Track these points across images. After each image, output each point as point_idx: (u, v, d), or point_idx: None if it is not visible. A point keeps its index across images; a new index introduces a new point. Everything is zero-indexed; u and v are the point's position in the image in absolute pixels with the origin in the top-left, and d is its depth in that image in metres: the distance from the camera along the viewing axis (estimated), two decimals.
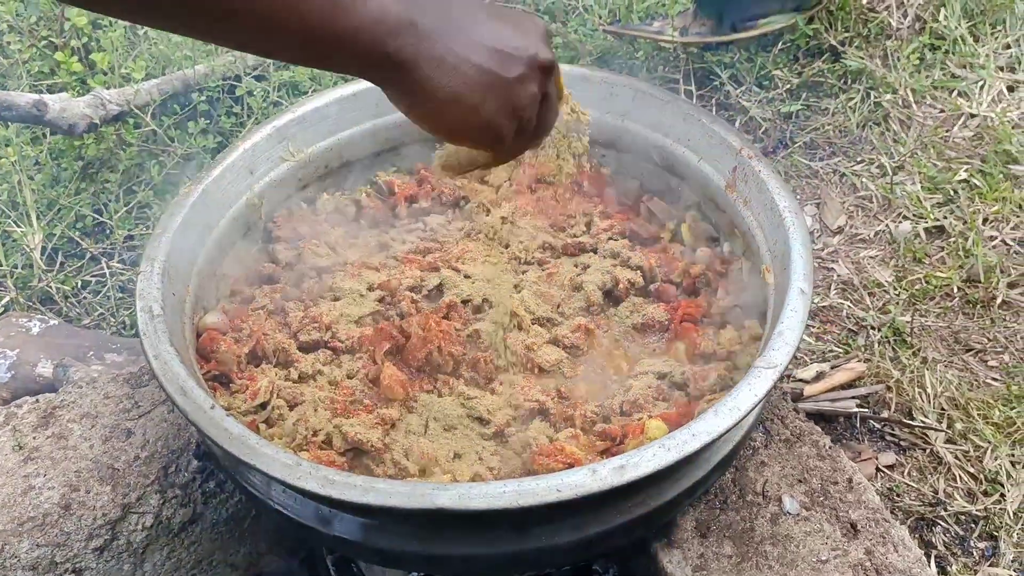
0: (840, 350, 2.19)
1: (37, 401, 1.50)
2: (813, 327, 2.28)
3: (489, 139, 1.05)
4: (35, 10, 2.88)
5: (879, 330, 2.21)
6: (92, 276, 2.33)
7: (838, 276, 2.39)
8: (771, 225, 1.40)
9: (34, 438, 1.41)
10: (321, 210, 1.70)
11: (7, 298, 2.22)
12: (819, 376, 2.06)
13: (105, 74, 2.59)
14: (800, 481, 1.36)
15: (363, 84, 1.67)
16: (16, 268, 2.29)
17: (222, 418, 1.15)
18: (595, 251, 1.60)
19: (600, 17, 2.95)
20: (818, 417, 2.00)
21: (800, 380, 2.05)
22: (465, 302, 1.53)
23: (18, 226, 2.33)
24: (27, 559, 1.28)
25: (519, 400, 1.38)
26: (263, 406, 1.38)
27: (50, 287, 2.26)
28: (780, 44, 2.85)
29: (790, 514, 1.31)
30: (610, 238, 1.60)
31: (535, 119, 1.08)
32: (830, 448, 1.40)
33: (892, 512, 1.88)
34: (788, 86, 2.80)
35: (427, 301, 1.55)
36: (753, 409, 1.16)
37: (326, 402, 1.38)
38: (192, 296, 1.43)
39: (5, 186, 2.35)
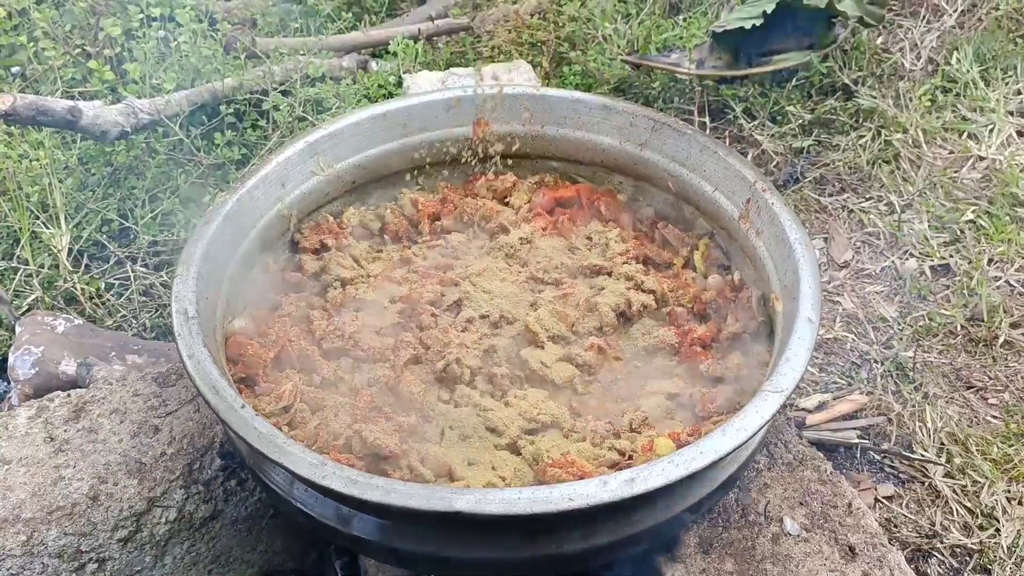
0: (843, 382, 2.24)
1: (69, 396, 1.55)
2: (817, 358, 2.33)
3: None
4: (70, 18, 2.96)
5: (882, 364, 2.25)
6: (116, 279, 2.39)
7: (843, 310, 2.44)
8: (781, 256, 1.46)
9: (65, 431, 1.47)
10: (347, 223, 1.76)
11: (33, 296, 2.28)
12: (821, 406, 2.10)
13: (136, 84, 2.65)
14: (801, 504, 1.40)
15: (393, 104, 1.74)
16: (43, 268, 2.35)
17: (252, 417, 1.20)
18: (610, 274, 1.66)
19: (619, 47, 3.02)
20: (819, 446, 2.04)
21: (803, 409, 2.09)
22: (483, 317, 1.59)
23: (47, 227, 2.39)
24: (54, 547, 1.33)
25: (532, 413, 1.43)
26: (287, 409, 1.43)
27: (75, 288, 2.32)
28: (794, 80, 2.91)
29: (791, 535, 1.36)
30: (625, 262, 1.66)
31: None
32: (831, 473, 1.45)
33: (890, 543, 1.93)
34: (800, 122, 2.86)
35: (447, 315, 1.60)
36: (759, 431, 1.21)
37: (347, 408, 1.43)
38: (224, 301, 1.49)
39: (36, 188, 2.41)
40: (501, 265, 1.67)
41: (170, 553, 1.42)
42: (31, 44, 2.78)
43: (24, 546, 1.32)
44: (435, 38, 3.09)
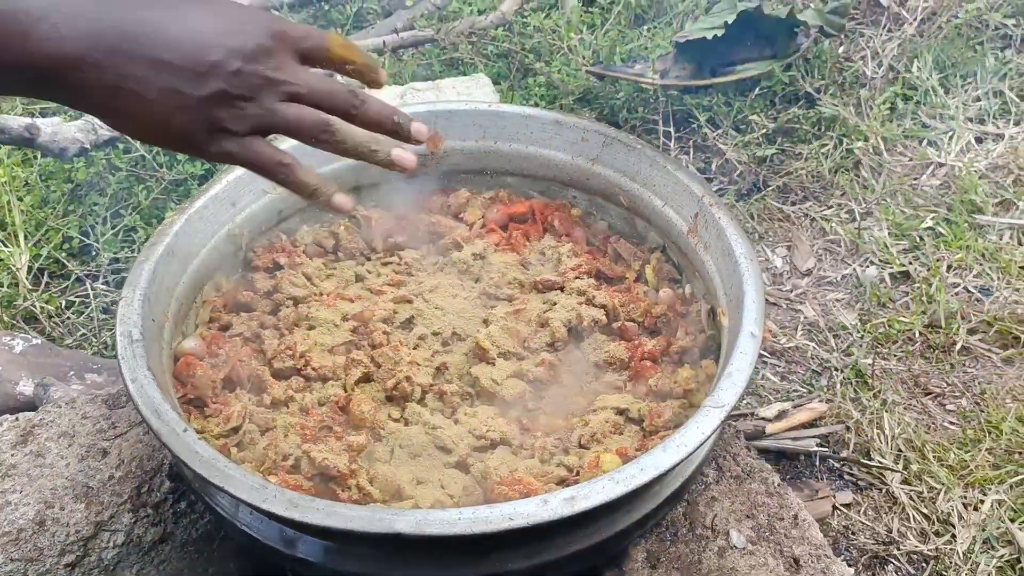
0: (804, 390, 2.26)
1: (17, 419, 1.55)
2: (779, 367, 2.34)
3: (187, 150, 1.01)
4: None
5: (842, 371, 2.27)
6: (76, 296, 2.38)
7: (805, 318, 2.46)
8: (728, 270, 1.47)
9: (12, 455, 1.46)
10: (300, 241, 1.76)
11: None
12: (781, 415, 2.12)
13: None
14: (748, 516, 1.41)
15: None
16: (1, 287, 2.34)
17: (193, 440, 1.20)
18: (562, 289, 1.66)
19: (583, 58, 3.03)
20: (779, 455, 2.06)
21: (762, 418, 2.11)
22: (435, 334, 1.59)
23: (5, 246, 2.38)
24: (0, 572, 1.33)
25: (482, 431, 1.43)
26: (235, 430, 1.43)
27: (34, 306, 2.31)
28: (757, 90, 2.93)
29: (737, 548, 1.37)
30: (577, 277, 1.67)
31: (264, 118, 1.01)
32: (779, 485, 1.46)
33: (847, 550, 1.94)
34: (764, 131, 2.88)
35: (399, 332, 1.60)
36: (700, 446, 1.22)
37: (296, 428, 1.43)
38: (171, 322, 1.49)
39: None
40: (454, 281, 1.68)
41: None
42: None
43: None
44: (400, 50, 3.09)
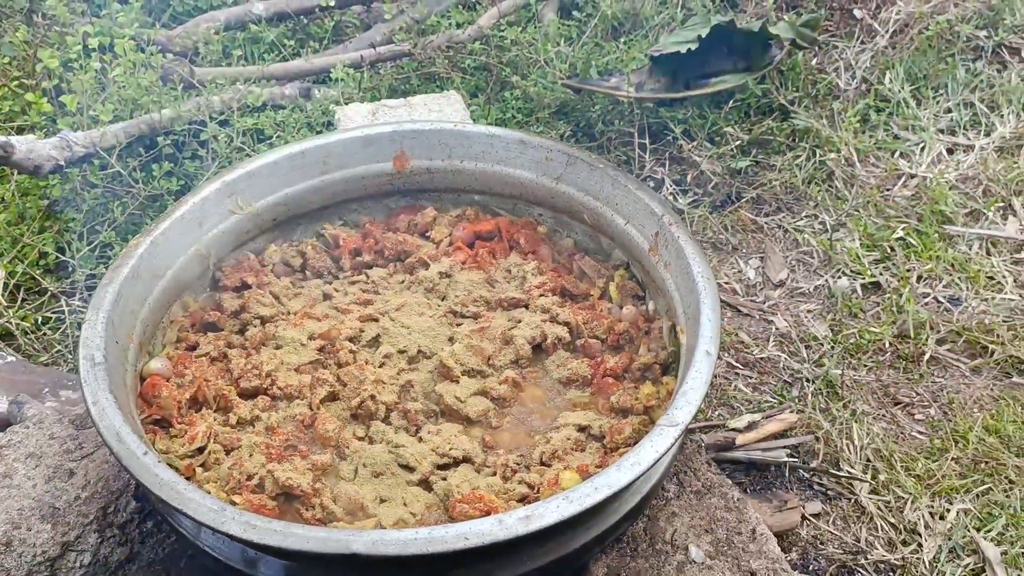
0: (775, 400, 2.28)
1: None
2: (750, 378, 2.36)
3: None
4: (10, 50, 2.96)
5: (813, 382, 2.29)
6: (52, 313, 2.39)
7: (777, 329, 2.48)
8: (686, 288, 1.49)
9: None
10: (268, 261, 1.78)
11: None
12: (751, 426, 2.14)
13: (74, 115, 2.66)
14: (707, 531, 1.43)
15: (311, 142, 1.76)
16: None
17: (153, 464, 1.22)
18: (527, 306, 1.68)
19: (560, 71, 3.05)
20: (749, 465, 2.08)
21: (733, 429, 2.13)
22: (401, 352, 1.61)
23: None
24: None
25: (445, 449, 1.45)
26: (201, 450, 1.44)
27: (10, 323, 2.32)
28: (732, 102, 2.96)
29: (695, 563, 1.39)
30: (542, 294, 1.68)
31: None
32: (738, 500, 1.48)
33: (816, 560, 1.96)
34: (738, 142, 2.90)
35: (365, 350, 1.62)
36: (654, 464, 1.24)
37: (261, 447, 1.45)
38: (136, 343, 1.50)
39: None
40: (421, 299, 1.70)
41: None
42: None
43: None
44: (378, 64, 3.11)
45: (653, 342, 1.61)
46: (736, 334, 2.47)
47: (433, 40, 3.11)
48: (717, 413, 2.27)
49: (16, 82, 2.84)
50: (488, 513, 1.32)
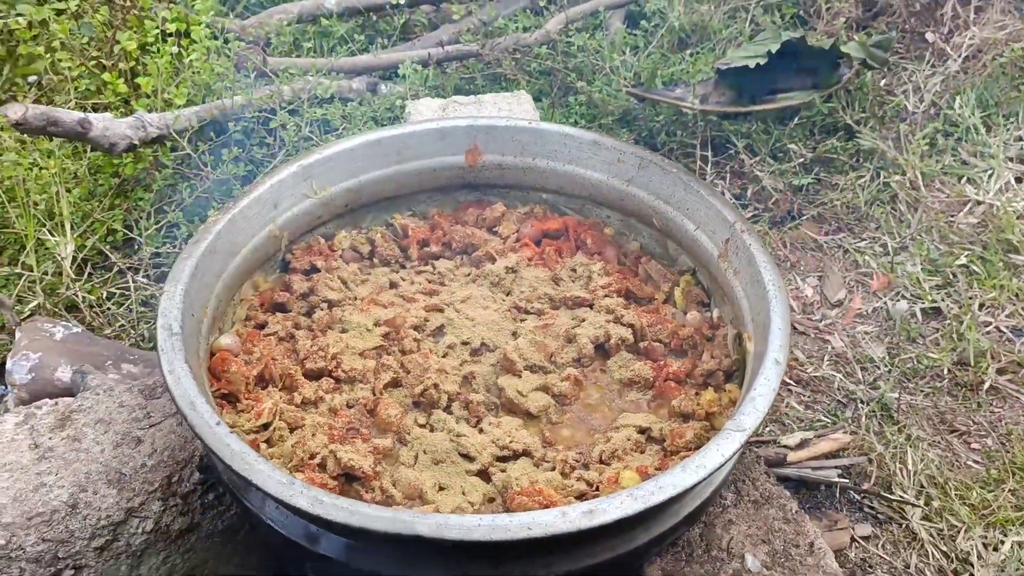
0: (828, 420, 2.26)
1: (56, 404, 1.59)
2: (804, 396, 2.35)
3: None
4: (89, 31, 3.02)
5: (867, 404, 2.27)
6: (117, 288, 2.43)
7: (833, 348, 2.46)
8: (756, 296, 1.48)
9: (50, 438, 1.50)
10: (338, 246, 1.80)
11: (35, 302, 2.33)
12: (803, 443, 2.12)
13: (148, 97, 2.71)
14: (764, 541, 1.43)
15: (388, 131, 1.78)
16: (46, 275, 2.40)
17: (225, 434, 1.24)
18: (592, 306, 1.69)
19: (625, 79, 3.06)
20: (799, 483, 2.07)
21: (784, 446, 2.11)
22: (465, 344, 1.62)
23: (52, 235, 2.45)
24: (32, 552, 1.37)
25: (505, 441, 1.46)
26: (266, 426, 1.46)
27: (76, 296, 2.36)
28: (797, 119, 2.94)
29: (751, 572, 1.38)
30: (607, 295, 1.69)
31: None
32: (796, 512, 1.48)
33: None
34: (802, 160, 2.88)
35: (429, 340, 1.63)
36: (719, 468, 1.23)
37: (324, 428, 1.47)
38: (209, 318, 1.53)
39: (44, 196, 2.47)
40: (486, 293, 1.71)
41: (145, 563, 1.46)
42: (48, 55, 2.84)
43: (3, 550, 1.36)
44: (445, 63, 3.14)
45: (717, 349, 1.61)
46: (791, 351, 2.46)
47: (500, 42, 3.13)
48: (768, 429, 2.26)
49: (94, 62, 2.90)
50: (547, 507, 1.33)
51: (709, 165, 2.92)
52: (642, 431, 1.49)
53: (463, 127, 1.80)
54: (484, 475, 1.44)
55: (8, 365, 2.05)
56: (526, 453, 1.45)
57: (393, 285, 1.74)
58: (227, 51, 2.83)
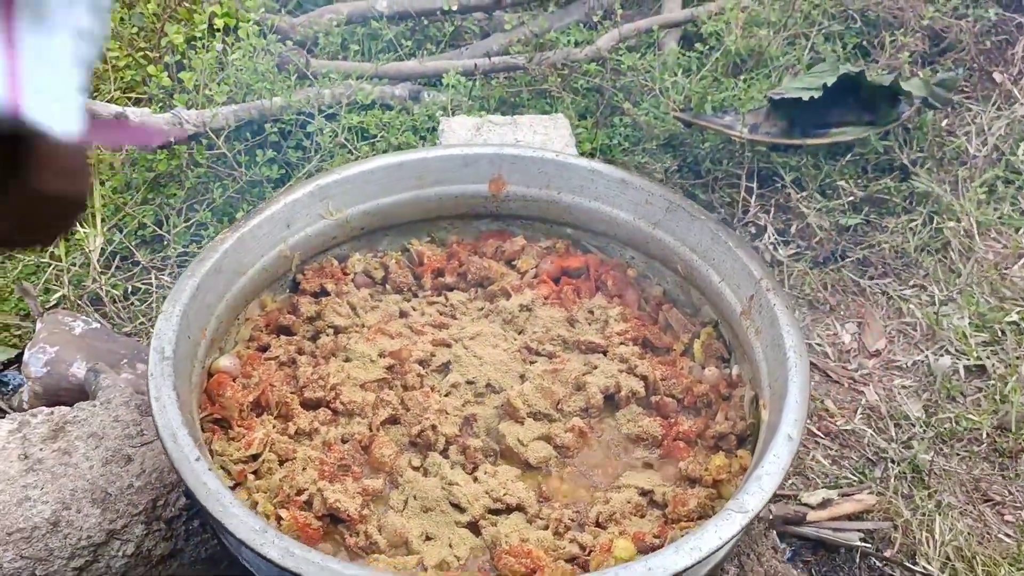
0: (854, 478, 2.16)
1: (51, 413, 1.57)
2: (831, 449, 2.25)
3: None
4: (139, 21, 3.02)
5: (898, 464, 2.17)
6: (142, 284, 2.42)
7: (866, 401, 2.36)
8: (775, 361, 1.41)
9: (40, 449, 1.48)
10: (350, 269, 1.75)
11: (60, 293, 2.32)
12: (825, 503, 2.03)
13: (190, 93, 2.70)
14: None
15: (409, 155, 1.73)
16: (74, 266, 2.40)
17: (203, 471, 1.20)
18: (605, 352, 1.62)
19: (674, 102, 2.97)
20: (817, 544, 1.98)
21: (805, 504, 2.03)
22: (470, 383, 1.56)
23: (82, 227, 2.44)
24: (9, 568, 1.35)
25: (499, 493, 1.40)
26: (255, 457, 1.42)
27: (101, 289, 2.35)
28: (849, 155, 2.83)
29: None
30: (622, 342, 1.62)
31: None
32: None
33: None
34: (851, 198, 2.78)
35: (434, 375, 1.58)
36: (716, 551, 1.16)
37: (315, 462, 1.42)
38: (208, 339, 1.49)
39: None
40: (497, 331, 1.65)
41: None
42: None
43: None
44: (491, 74, 3.08)
45: (732, 410, 1.53)
46: (821, 401, 2.36)
47: (549, 56, 3.07)
48: (791, 483, 2.17)
49: (141, 53, 2.90)
50: (534, 571, 1.27)
51: (754, 197, 2.83)
52: (644, 493, 1.42)
53: (488, 155, 1.74)
54: (474, 527, 1.38)
55: (25, 357, 2.05)
56: (520, 508, 1.39)
57: (403, 314, 1.69)
58: (271, 50, 2.81)
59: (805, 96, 2.74)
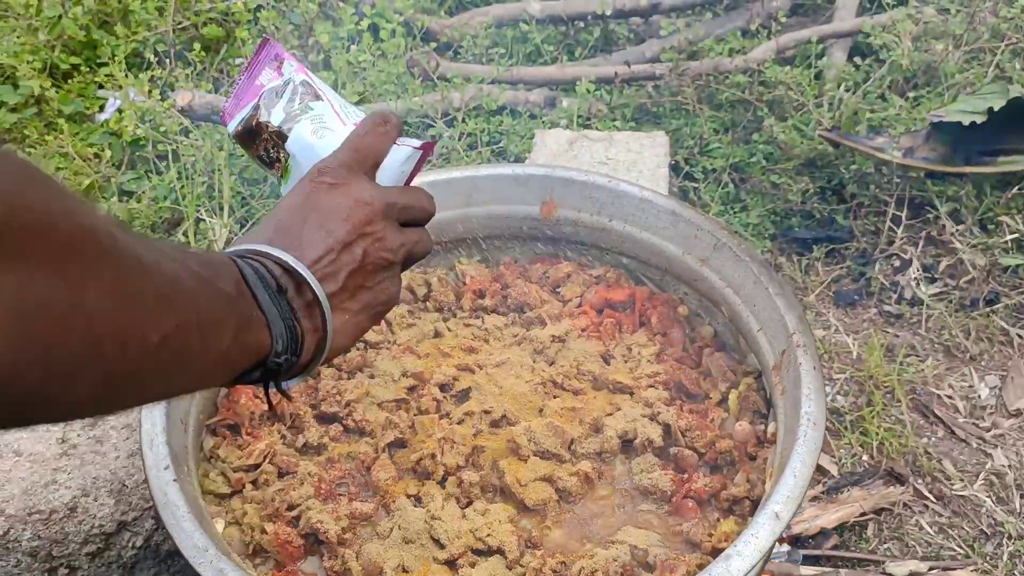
0: (960, 551, 1.94)
1: None
2: (940, 516, 2.03)
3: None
4: (297, 19, 3.15)
5: (1015, 541, 1.92)
6: None
7: (993, 465, 2.11)
8: (789, 427, 1.26)
9: (79, 435, 1.57)
10: None
11: None
12: None
13: None
14: None
15: (460, 172, 1.69)
16: None
17: (167, 482, 1.22)
18: (632, 394, 1.52)
19: (825, 120, 2.76)
20: None
21: (888, 575, 1.83)
22: (486, 412, 1.51)
23: (210, 217, 2.58)
24: (27, 546, 1.44)
25: (483, 534, 1.34)
26: (254, 467, 1.44)
27: None
28: (1017, 188, 2.54)
29: None
30: (651, 385, 1.51)
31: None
32: None
33: None
34: (1015, 236, 2.49)
35: (451, 400, 1.54)
36: None
37: (313, 479, 1.42)
38: None
39: (202, 179, 2.60)
40: (526, 360, 1.57)
41: (138, 575, 1.49)
42: (252, 43, 2.99)
43: (1, 539, 1.44)
44: (633, 82, 2.98)
45: (755, 472, 1.39)
46: (939, 460, 2.13)
47: (695, 66, 2.93)
48: (885, 547, 1.98)
49: (291, 51, 3.02)
50: None
51: (901, 227, 2.59)
52: (635, 553, 1.31)
53: (539, 176, 1.67)
54: (452, 566, 1.33)
55: None
56: (500, 552, 1.33)
57: (438, 334, 1.66)
58: (401, 51, 2.84)
59: (966, 120, 2.49)
